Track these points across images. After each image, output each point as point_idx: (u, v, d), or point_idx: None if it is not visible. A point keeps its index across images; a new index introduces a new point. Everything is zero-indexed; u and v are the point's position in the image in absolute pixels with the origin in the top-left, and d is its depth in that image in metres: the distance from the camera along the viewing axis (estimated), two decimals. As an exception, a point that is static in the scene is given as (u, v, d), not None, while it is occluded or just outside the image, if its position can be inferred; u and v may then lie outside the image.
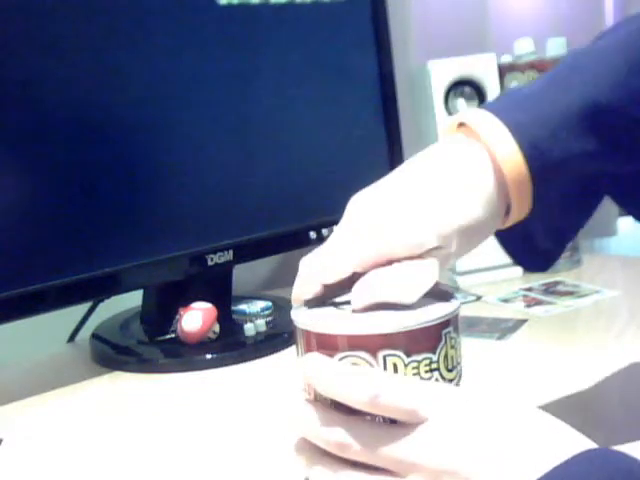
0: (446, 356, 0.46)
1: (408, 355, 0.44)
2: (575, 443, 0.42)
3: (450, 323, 0.46)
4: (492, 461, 0.42)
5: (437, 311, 0.46)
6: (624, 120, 0.51)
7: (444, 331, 0.45)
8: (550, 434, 0.43)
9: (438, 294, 0.48)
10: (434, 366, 0.45)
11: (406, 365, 0.44)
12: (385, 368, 0.44)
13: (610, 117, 0.51)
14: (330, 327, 0.45)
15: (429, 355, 0.45)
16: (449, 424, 0.43)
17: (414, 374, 0.45)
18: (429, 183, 0.49)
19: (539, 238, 0.56)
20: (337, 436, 0.44)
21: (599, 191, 0.58)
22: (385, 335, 0.44)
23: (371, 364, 0.44)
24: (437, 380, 0.45)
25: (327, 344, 0.45)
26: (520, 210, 0.52)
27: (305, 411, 0.46)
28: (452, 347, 0.46)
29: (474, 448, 0.42)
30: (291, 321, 0.48)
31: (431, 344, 0.45)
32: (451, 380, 0.46)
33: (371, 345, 0.44)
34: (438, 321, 0.45)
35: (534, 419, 0.44)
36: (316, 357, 0.45)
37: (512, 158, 0.49)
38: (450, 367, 0.46)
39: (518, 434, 0.43)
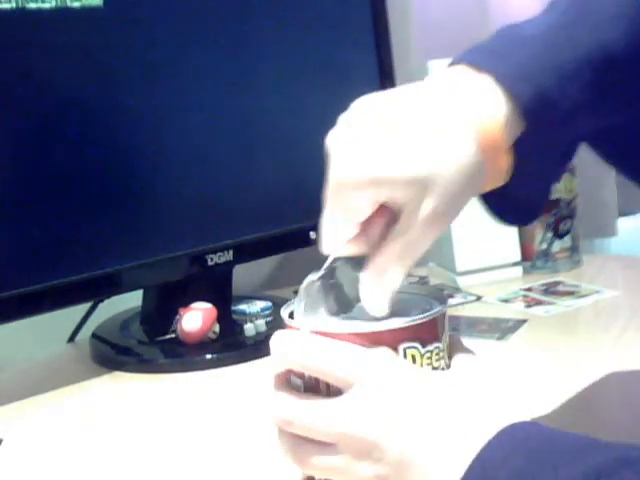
0: (446, 343, 0.48)
1: (423, 346, 0.46)
2: (506, 418, 0.43)
3: (446, 313, 0.49)
4: (413, 434, 0.43)
5: (438, 303, 0.49)
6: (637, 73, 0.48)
7: (445, 320, 0.48)
8: (466, 413, 0.44)
9: (426, 291, 0.52)
10: (442, 354, 0.48)
11: (422, 355, 0.47)
12: (405, 357, 0.46)
13: (625, 71, 0.48)
14: (353, 327, 0.47)
15: (438, 344, 0.47)
16: (377, 395, 0.44)
17: (427, 364, 0.47)
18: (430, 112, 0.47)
19: (521, 192, 0.53)
20: (282, 413, 0.48)
21: (582, 140, 0.55)
22: (406, 328, 0.46)
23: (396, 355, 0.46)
24: (444, 368, 0.48)
25: (352, 342, 0.46)
26: (505, 162, 0.48)
27: (270, 392, 0.50)
28: (448, 335, 0.49)
29: (396, 422, 0.44)
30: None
31: (439, 333, 0.47)
32: (448, 365, 0.49)
33: (393, 339, 0.46)
34: (442, 311, 0.48)
35: (453, 399, 0.45)
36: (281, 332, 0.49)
37: (503, 112, 0.46)
38: (449, 353, 0.49)
39: (437, 413, 0.44)
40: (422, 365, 0.47)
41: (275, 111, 0.97)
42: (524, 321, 0.93)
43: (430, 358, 0.47)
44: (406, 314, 0.47)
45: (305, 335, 0.47)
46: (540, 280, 1.08)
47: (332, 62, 1.02)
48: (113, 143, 0.85)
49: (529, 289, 1.05)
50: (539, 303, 0.99)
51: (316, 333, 0.47)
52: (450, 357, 0.49)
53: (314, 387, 0.48)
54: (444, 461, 0.42)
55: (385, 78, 1.07)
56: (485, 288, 1.07)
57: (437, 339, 0.47)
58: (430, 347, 0.47)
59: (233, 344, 0.91)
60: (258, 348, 0.89)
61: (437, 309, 0.48)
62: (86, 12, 0.82)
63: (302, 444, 0.47)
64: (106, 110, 0.84)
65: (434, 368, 0.47)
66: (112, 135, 0.85)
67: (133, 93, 0.86)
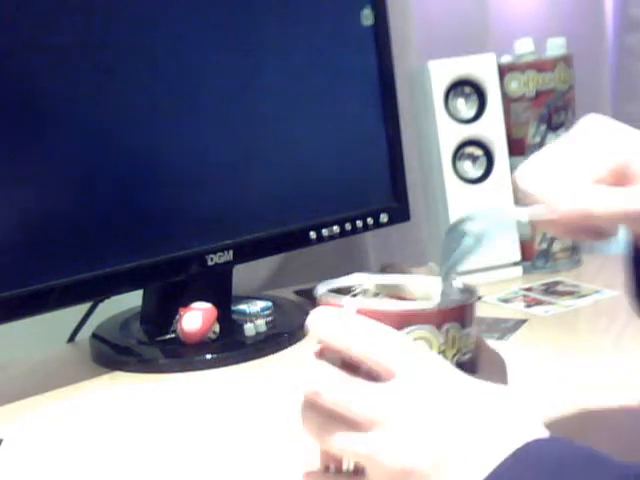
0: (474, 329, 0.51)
1: (463, 327, 0.49)
2: (526, 432, 0.43)
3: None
4: (444, 438, 0.44)
5: (470, 293, 0.52)
6: None
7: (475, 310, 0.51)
8: (504, 424, 0.44)
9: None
10: (472, 339, 0.50)
11: (460, 336, 0.49)
12: (447, 341, 0.48)
13: None
14: (400, 305, 0.49)
15: (471, 329, 0.50)
16: (416, 388, 0.45)
17: (464, 345, 0.49)
18: None
19: None
20: (314, 384, 0.47)
21: None
22: (451, 309, 0.49)
23: (436, 337, 0.48)
24: (472, 352, 0.50)
25: (400, 322, 0.47)
26: None
27: (305, 362, 0.49)
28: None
29: (431, 422, 0.44)
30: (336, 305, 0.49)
31: (473, 320, 0.50)
32: (476, 355, 0.51)
33: (439, 319, 0.48)
34: (476, 300, 0.51)
35: (491, 408, 0.45)
36: (322, 309, 0.48)
37: None
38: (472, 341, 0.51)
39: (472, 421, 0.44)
40: (460, 346, 0.49)
41: (275, 111, 0.97)
42: (524, 321, 0.93)
43: (467, 340, 0.49)
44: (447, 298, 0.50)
45: (353, 314, 0.48)
46: (540, 280, 1.08)
47: (332, 62, 1.02)
48: (113, 143, 0.85)
49: (529, 289, 1.05)
50: (539, 303, 0.99)
51: (362, 311, 0.48)
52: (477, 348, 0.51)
53: (353, 368, 0.48)
54: (461, 470, 0.43)
55: (385, 79, 1.07)
56: (485, 288, 1.07)
57: (471, 324, 0.50)
58: (467, 330, 0.49)
59: (233, 344, 0.91)
60: (258, 348, 0.90)
61: (474, 296, 0.51)
62: (88, 9, 0.82)
63: (331, 421, 0.47)
64: (106, 110, 0.84)
65: (468, 350, 0.49)
66: (112, 135, 0.85)
67: (132, 93, 0.86)
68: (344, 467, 0.50)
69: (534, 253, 1.12)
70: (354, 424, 0.46)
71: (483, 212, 0.53)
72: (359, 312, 0.48)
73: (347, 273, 0.55)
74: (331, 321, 0.48)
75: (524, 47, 1.11)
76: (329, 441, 0.47)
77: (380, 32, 1.06)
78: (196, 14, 0.90)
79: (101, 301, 0.97)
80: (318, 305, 0.50)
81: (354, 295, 0.53)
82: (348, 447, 0.46)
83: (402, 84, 1.11)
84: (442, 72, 1.08)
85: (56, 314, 0.83)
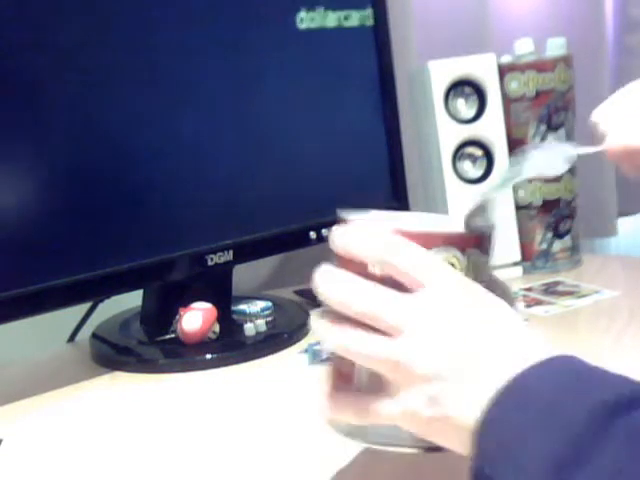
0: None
1: (482, 254, 0.51)
2: (542, 351, 0.46)
3: None
4: (472, 342, 0.46)
5: (492, 225, 0.54)
6: None
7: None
8: (520, 342, 0.47)
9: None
10: (489, 269, 0.52)
11: (480, 264, 0.51)
12: (468, 265, 0.50)
13: None
14: (429, 228, 0.51)
15: (487, 257, 0.52)
16: (444, 298, 0.47)
17: (483, 270, 0.52)
18: None
19: None
20: (339, 294, 0.48)
21: None
22: (474, 236, 0.51)
23: (459, 259, 0.50)
24: (490, 279, 0.52)
25: (427, 242, 0.49)
26: None
27: (326, 272, 0.49)
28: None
29: (459, 337, 0.46)
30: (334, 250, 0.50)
31: (491, 249, 0.53)
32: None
33: (463, 243, 0.50)
34: (494, 230, 0.53)
35: (511, 326, 0.48)
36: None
37: None
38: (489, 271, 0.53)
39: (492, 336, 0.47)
40: (478, 272, 0.51)
41: (275, 111, 0.97)
42: (524, 321, 0.93)
43: (485, 267, 0.52)
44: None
45: (388, 231, 0.49)
46: (540, 280, 1.08)
47: (332, 63, 1.02)
48: (113, 143, 0.85)
49: (529, 289, 1.05)
50: (539, 303, 0.99)
51: (395, 231, 0.49)
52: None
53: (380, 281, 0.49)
54: (482, 380, 0.45)
55: (385, 79, 1.07)
56: (485, 288, 1.07)
57: (490, 254, 0.52)
58: (485, 257, 0.52)
59: (233, 344, 0.91)
60: (258, 348, 0.90)
61: (494, 229, 0.53)
62: (88, 10, 0.82)
63: (355, 329, 0.47)
64: (106, 110, 0.84)
65: (486, 278, 0.51)
66: (112, 135, 0.85)
67: (132, 93, 0.86)
68: (355, 381, 0.51)
69: (534, 253, 1.12)
70: (379, 333, 0.47)
71: (541, 149, 0.59)
72: (392, 232, 0.49)
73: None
74: (361, 234, 0.49)
75: (524, 47, 1.11)
76: (353, 349, 0.47)
77: (380, 32, 1.06)
78: (198, 15, 0.90)
79: (101, 301, 0.97)
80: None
81: None
82: (374, 353, 0.47)
83: (402, 84, 1.11)
84: (442, 72, 1.08)
85: (56, 314, 0.83)
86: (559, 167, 0.62)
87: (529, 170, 0.61)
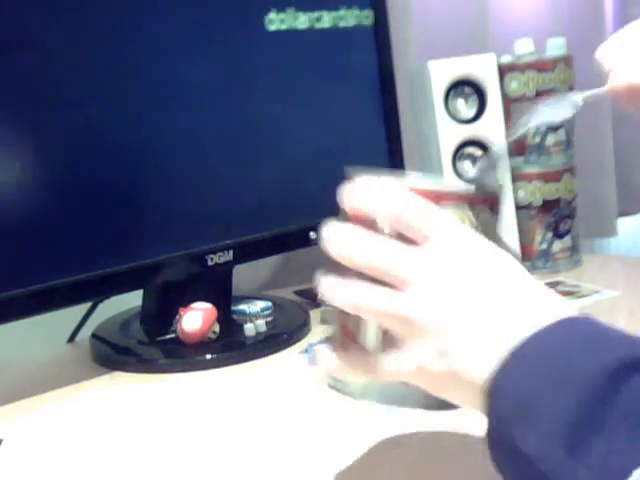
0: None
1: (493, 212, 0.52)
2: (556, 310, 0.46)
3: None
4: (475, 312, 0.45)
5: (501, 187, 0.54)
6: None
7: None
8: (534, 299, 0.47)
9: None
10: (496, 229, 0.52)
11: (488, 223, 0.51)
12: (477, 221, 0.50)
13: None
14: (447, 185, 0.52)
15: (496, 217, 0.52)
16: (452, 251, 0.46)
17: (490, 231, 0.51)
18: None
19: None
20: (345, 247, 0.47)
21: None
22: (485, 196, 0.51)
23: (469, 217, 0.50)
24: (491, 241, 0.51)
25: (437, 199, 0.49)
26: None
27: (332, 227, 0.49)
28: None
29: (466, 285, 0.46)
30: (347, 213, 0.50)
31: (499, 210, 0.53)
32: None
33: (473, 201, 0.50)
34: (503, 190, 0.54)
35: (523, 282, 0.48)
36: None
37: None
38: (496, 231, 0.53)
39: (505, 295, 0.46)
40: (487, 230, 0.50)
41: (275, 112, 0.97)
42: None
43: (493, 227, 0.52)
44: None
45: (398, 188, 0.48)
46: (540, 280, 1.08)
47: (332, 63, 1.02)
48: (113, 143, 0.85)
49: (529, 289, 1.05)
50: (539, 303, 0.99)
51: (412, 189, 0.49)
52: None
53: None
54: (492, 334, 0.44)
55: (385, 79, 1.07)
56: (485, 288, 1.07)
57: (499, 213, 0.53)
58: (495, 217, 0.52)
59: (233, 344, 0.91)
60: (258, 348, 0.90)
61: (503, 190, 0.53)
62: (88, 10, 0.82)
63: (363, 283, 0.47)
64: (106, 110, 0.84)
65: (493, 238, 0.50)
66: (112, 135, 0.85)
67: (133, 93, 0.86)
68: (360, 339, 0.50)
69: (534, 253, 1.12)
70: (388, 286, 0.46)
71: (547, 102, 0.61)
72: (410, 189, 0.49)
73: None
74: (370, 190, 0.49)
75: (524, 47, 1.11)
76: (361, 303, 0.47)
77: (380, 32, 1.06)
78: (197, 17, 0.90)
79: (101, 301, 0.97)
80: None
81: None
82: (381, 306, 0.46)
83: (402, 84, 1.11)
84: (442, 72, 1.08)
85: (56, 314, 0.83)
86: (565, 113, 0.64)
87: (536, 118, 0.62)
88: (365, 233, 0.48)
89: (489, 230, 0.51)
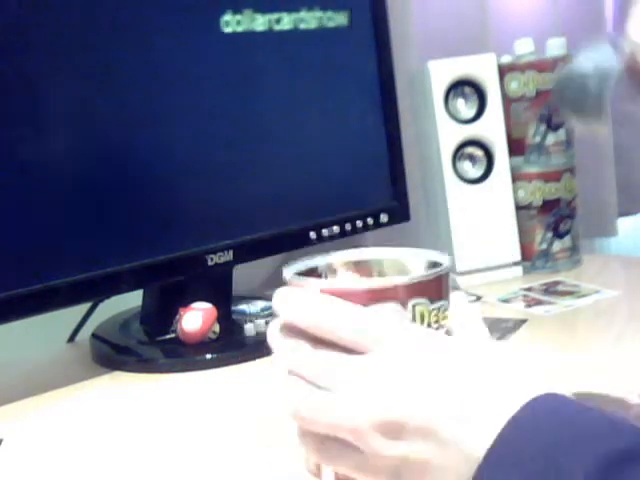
0: (448, 301, 0.49)
1: (431, 302, 0.47)
2: (518, 396, 0.42)
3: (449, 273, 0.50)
4: (437, 406, 0.42)
5: (442, 263, 0.49)
6: None
7: (449, 280, 0.49)
8: (493, 393, 0.43)
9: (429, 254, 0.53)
10: (447, 313, 0.48)
11: (430, 312, 0.47)
12: (414, 316, 0.46)
13: None
14: (364, 284, 0.47)
15: (444, 302, 0.48)
16: (397, 362, 0.44)
17: (435, 320, 0.47)
18: None
19: None
20: (290, 363, 0.46)
21: None
22: (416, 284, 0.46)
23: (401, 313, 0.46)
24: (441, 328, 0.48)
25: (364, 299, 0.46)
26: None
27: (274, 338, 0.47)
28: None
29: (419, 391, 0.43)
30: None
31: (445, 292, 0.48)
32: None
33: (404, 295, 0.46)
34: (448, 270, 0.48)
35: (479, 375, 0.44)
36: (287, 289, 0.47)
37: None
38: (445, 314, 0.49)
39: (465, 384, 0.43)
40: (430, 322, 0.47)
41: (275, 112, 0.97)
42: (524, 321, 0.93)
43: (437, 315, 0.47)
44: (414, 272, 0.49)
45: (316, 294, 0.46)
46: (540, 280, 1.08)
47: (332, 63, 1.02)
48: (113, 144, 0.85)
49: (529, 289, 1.05)
50: (539, 303, 0.99)
51: (325, 291, 0.46)
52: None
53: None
54: (468, 436, 0.42)
55: (385, 79, 1.07)
56: (485, 288, 1.07)
57: (443, 297, 0.48)
58: (437, 304, 0.47)
59: (233, 344, 0.91)
60: (258, 348, 0.89)
61: (444, 267, 0.48)
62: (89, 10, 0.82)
63: (326, 441, 0.45)
64: (107, 110, 0.84)
65: (440, 325, 0.48)
66: (112, 135, 0.85)
67: (133, 93, 0.86)
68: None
69: (534, 253, 1.12)
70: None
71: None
72: (322, 292, 0.46)
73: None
74: (297, 301, 0.46)
75: (524, 47, 1.11)
76: (334, 461, 0.46)
77: (380, 32, 1.06)
78: (198, 17, 0.90)
79: (101, 301, 0.97)
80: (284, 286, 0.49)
81: (320, 274, 0.52)
82: (350, 463, 0.44)
83: (402, 84, 1.11)
84: (442, 72, 1.08)
85: (56, 314, 0.83)
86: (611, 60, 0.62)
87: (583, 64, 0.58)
88: (300, 347, 0.46)
89: (432, 320, 0.47)
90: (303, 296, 0.46)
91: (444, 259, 0.49)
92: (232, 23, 0.92)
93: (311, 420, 0.45)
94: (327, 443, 0.45)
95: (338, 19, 1.01)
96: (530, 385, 0.43)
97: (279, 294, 0.47)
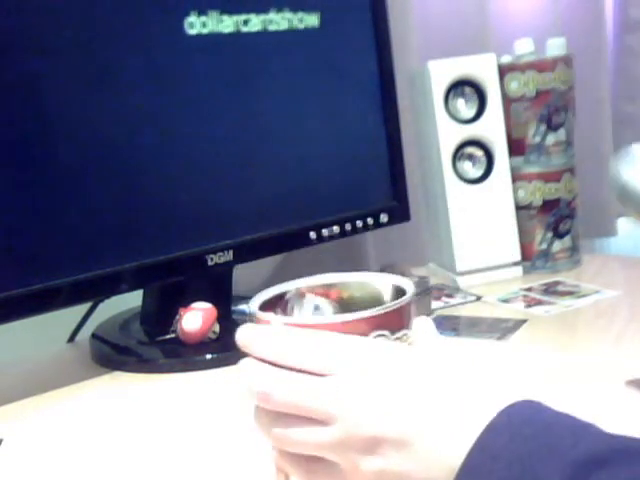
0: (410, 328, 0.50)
1: (392, 333, 0.48)
2: (490, 406, 0.43)
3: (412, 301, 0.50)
4: (410, 418, 0.43)
5: (406, 293, 0.50)
6: None
7: (412, 308, 0.50)
8: (463, 405, 0.44)
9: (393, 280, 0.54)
10: (410, 341, 0.49)
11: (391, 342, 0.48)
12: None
13: None
14: (324, 319, 0.49)
15: (406, 331, 0.49)
16: (366, 379, 0.45)
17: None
18: None
19: None
20: (259, 386, 0.47)
21: None
22: (376, 317, 0.47)
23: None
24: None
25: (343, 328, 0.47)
26: None
27: (245, 365, 0.49)
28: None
29: (391, 405, 0.44)
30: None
31: (407, 321, 0.49)
32: None
33: (364, 328, 0.47)
34: (408, 300, 0.49)
35: (452, 377, 0.45)
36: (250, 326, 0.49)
37: None
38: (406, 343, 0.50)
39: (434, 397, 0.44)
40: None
41: (275, 112, 0.97)
42: (524, 321, 0.93)
43: (402, 341, 0.48)
44: (375, 304, 0.49)
45: (280, 327, 0.47)
46: (540, 280, 1.08)
47: (332, 63, 1.02)
48: (113, 143, 0.85)
49: (529, 289, 1.05)
50: (539, 303, 0.99)
51: (289, 325, 0.48)
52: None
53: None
54: (444, 446, 0.42)
55: (385, 79, 1.07)
56: (485, 288, 1.07)
57: (405, 326, 0.49)
58: (399, 334, 0.48)
59: (233, 344, 0.90)
60: (258, 348, 0.89)
61: (403, 298, 0.49)
62: (88, 13, 0.82)
63: (286, 420, 0.46)
64: (107, 110, 0.84)
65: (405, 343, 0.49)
66: (112, 135, 0.85)
67: (133, 94, 0.86)
68: None
69: (534, 253, 1.12)
70: (309, 422, 0.45)
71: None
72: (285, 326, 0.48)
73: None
74: (260, 337, 0.48)
75: (524, 47, 1.11)
76: (289, 442, 0.46)
77: (380, 32, 1.06)
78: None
79: (101, 301, 0.97)
80: (249, 322, 0.50)
81: (287, 300, 0.53)
82: (312, 441, 0.45)
83: (402, 84, 1.11)
84: (442, 72, 1.08)
85: (56, 314, 0.83)
86: None
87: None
88: (274, 371, 0.47)
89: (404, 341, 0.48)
90: (266, 332, 0.48)
91: (409, 286, 0.50)
92: (197, 25, 0.90)
93: (286, 441, 0.46)
94: (304, 460, 0.46)
95: (309, 20, 0.99)
96: (504, 392, 0.44)
97: (242, 333, 0.49)
